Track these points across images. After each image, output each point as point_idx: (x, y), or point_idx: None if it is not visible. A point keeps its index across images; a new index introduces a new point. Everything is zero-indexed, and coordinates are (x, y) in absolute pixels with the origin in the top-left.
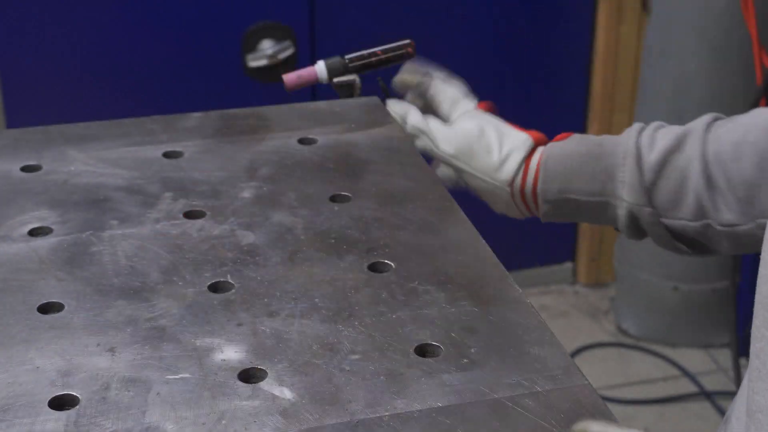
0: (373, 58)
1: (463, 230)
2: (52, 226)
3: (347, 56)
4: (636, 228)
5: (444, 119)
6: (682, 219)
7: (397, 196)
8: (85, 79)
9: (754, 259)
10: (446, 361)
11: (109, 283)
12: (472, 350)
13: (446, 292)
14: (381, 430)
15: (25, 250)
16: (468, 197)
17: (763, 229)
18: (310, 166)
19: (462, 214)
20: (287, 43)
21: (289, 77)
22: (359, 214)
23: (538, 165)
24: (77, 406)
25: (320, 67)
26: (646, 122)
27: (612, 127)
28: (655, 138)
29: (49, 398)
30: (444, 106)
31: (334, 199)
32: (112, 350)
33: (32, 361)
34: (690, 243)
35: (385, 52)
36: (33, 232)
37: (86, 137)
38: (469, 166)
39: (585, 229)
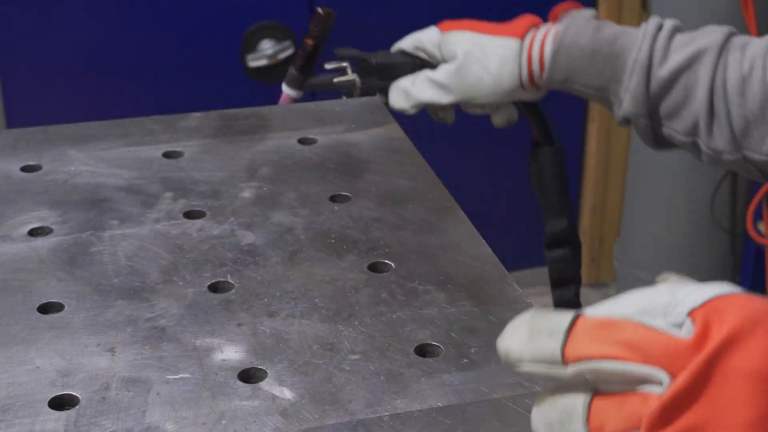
0: (308, 48)
1: (463, 230)
2: (52, 226)
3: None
4: (627, 123)
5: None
6: (674, 130)
7: (397, 196)
8: (84, 79)
9: (754, 259)
10: (446, 361)
11: (109, 283)
12: (472, 350)
13: (446, 292)
14: (381, 430)
15: (25, 250)
16: (468, 198)
17: (748, 160)
18: (310, 166)
19: (462, 214)
20: (287, 43)
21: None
22: (359, 214)
23: (542, 55)
24: (77, 406)
25: (285, 89)
26: None
27: (612, 127)
28: (669, 50)
29: (49, 398)
30: (416, 46)
31: (334, 199)
32: (112, 350)
33: (32, 361)
34: (670, 145)
35: (308, 35)
36: (33, 232)
37: (86, 137)
38: (475, 100)
39: (585, 229)
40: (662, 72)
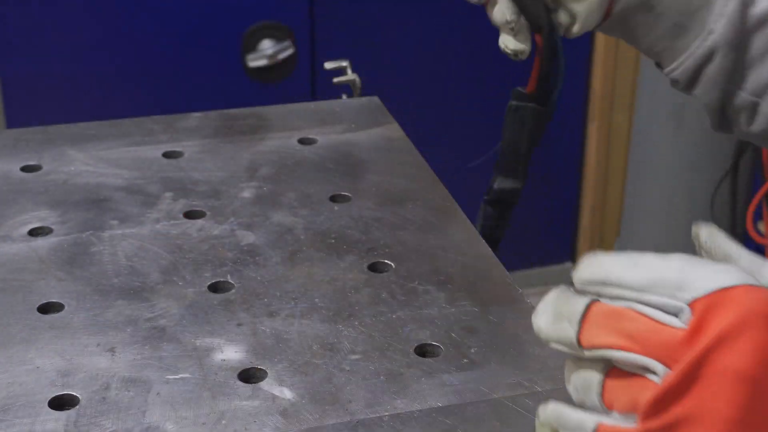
0: None
1: (463, 230)
2: (52, 226)
3: None
4: (694, 75)
5: None
6: (741, 88)
7: (397, 196)
8: (84, 79)
9: None
10: (446, 361)
11: (109, 283)
12: (472, 350)
13: (446, 292)
14: (381, 430)
15: (25, 250)
16: (468, 198)
17: None
18: (310, 166)
19: (462, 214)
20: (287, 43)
21: None
22: (359, 214)
23: None
24: (77, 406)
25: None
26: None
27: (612, 127)
28: None
29: (49, 398)
30: None
31: (334, 199)
32: (112, 350)
33: (32, 361)
34: (721, 114)
35: None
36: (33, 232)
37: (86, 137)
38: None
39: (585, 229)
40: (756, 9)
